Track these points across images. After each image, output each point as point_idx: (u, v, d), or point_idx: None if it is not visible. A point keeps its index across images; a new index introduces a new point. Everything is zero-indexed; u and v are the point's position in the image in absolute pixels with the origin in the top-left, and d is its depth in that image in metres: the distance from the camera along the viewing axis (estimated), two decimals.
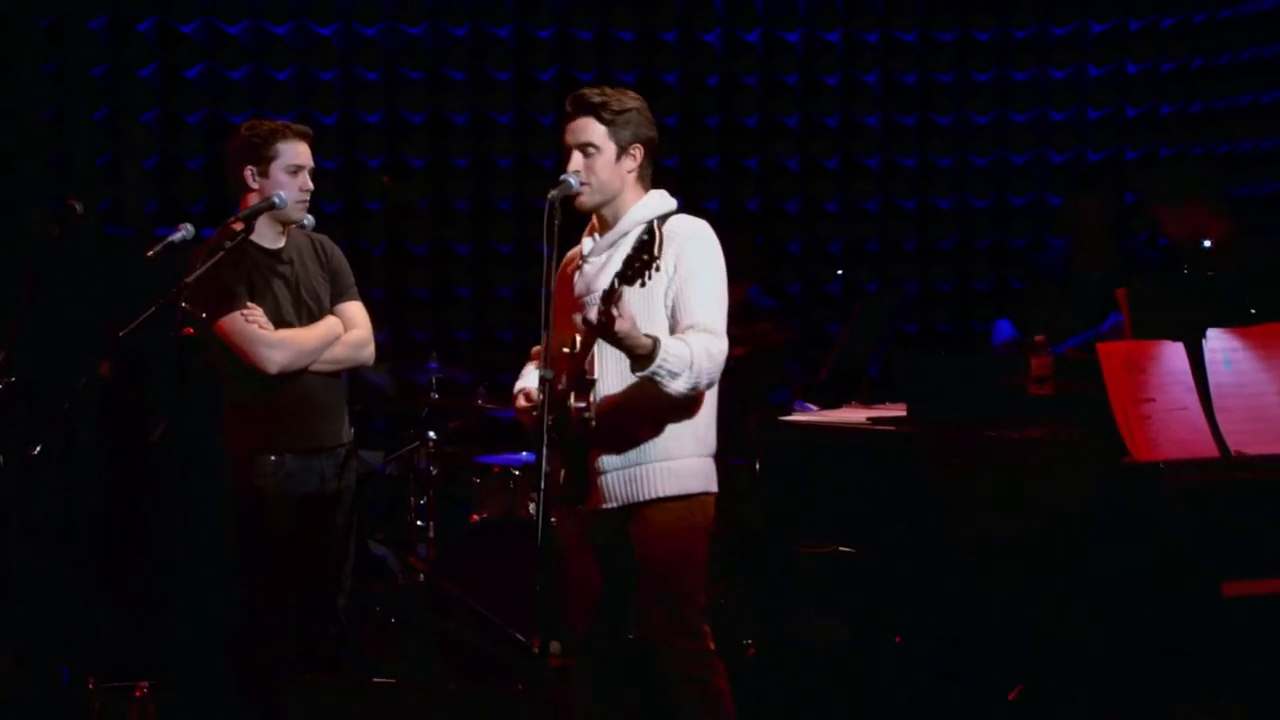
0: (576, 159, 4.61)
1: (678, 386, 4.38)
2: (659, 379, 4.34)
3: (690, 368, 4.37)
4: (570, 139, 4.65)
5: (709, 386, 4.53)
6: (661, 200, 4.73)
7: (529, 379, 4.78)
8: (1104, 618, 4.39)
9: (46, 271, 5.65)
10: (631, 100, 4.68)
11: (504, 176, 8.62)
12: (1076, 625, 4.53)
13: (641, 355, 4.30)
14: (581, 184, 4.58)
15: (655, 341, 4.30)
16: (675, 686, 4.65)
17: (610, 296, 4.17)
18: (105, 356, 5.31)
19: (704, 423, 4.68)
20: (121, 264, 6.66)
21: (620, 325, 4.19)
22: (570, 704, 4.78)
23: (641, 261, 4.15)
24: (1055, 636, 4.73)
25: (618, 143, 4.62)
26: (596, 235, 4.76)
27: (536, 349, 4.93)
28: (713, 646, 4.70)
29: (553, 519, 4.73)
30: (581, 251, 4.79)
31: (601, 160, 4.60)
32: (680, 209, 4.75)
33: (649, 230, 4.17)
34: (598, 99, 4.63)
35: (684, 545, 4.65)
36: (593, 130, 4.61)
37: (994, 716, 5.26)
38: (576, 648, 4.79)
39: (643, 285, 4.20)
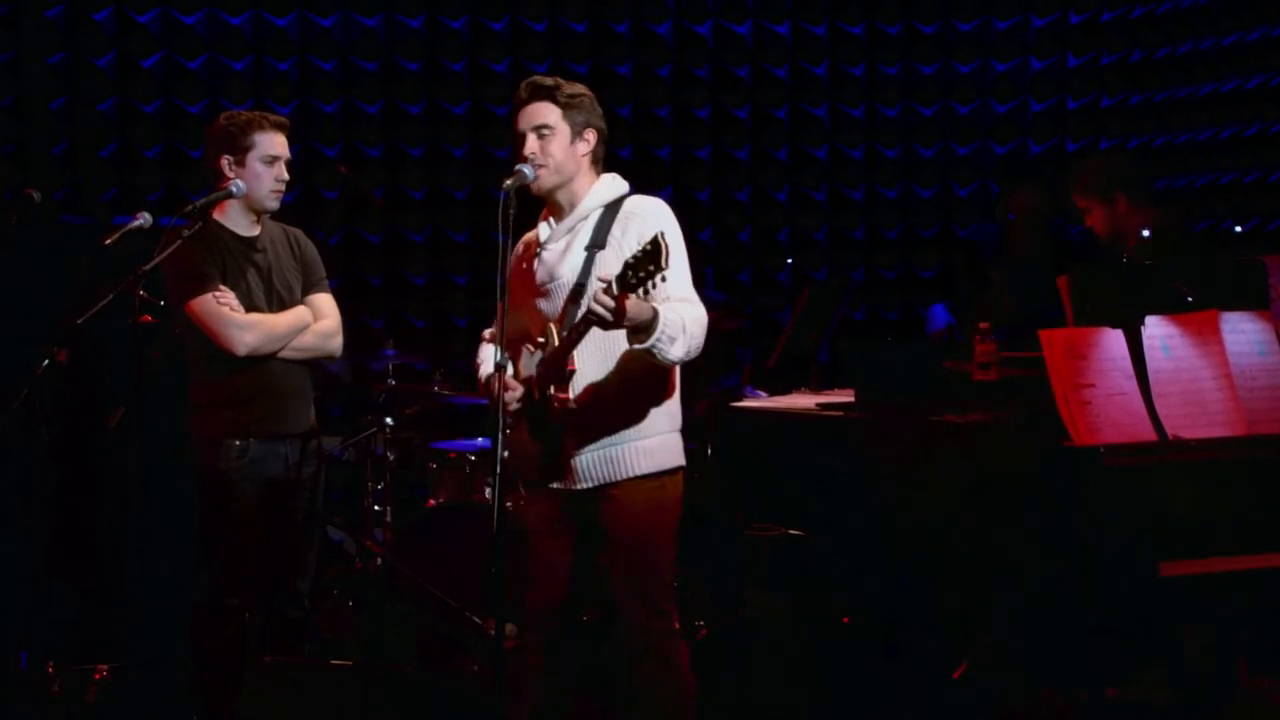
0: (531, 141, 4.61)
1: (675, 352, 4.36)
2: (659, 348, 4.31)
3: (684, 332, 4.35)
4: (524, 123, 4.65)
5: (698, 352, 4.46)
6: (615, 184, 4.74)
7: (490, 364, 4.78)
8: (1045, 597, 4.44)
9: (3, 260, 5.66)
10: (582, 88, 4.72)
11: (458, 166, 8.68)
12: (1018, 605, 4.60)
13: (642, 328, 4.28)
14: (538, 166, 4.59)
15: (655, 311, 4.28)
16: (640, 664, 4.64)
17: (606, 291, 4.16)
18: (63, 343, 5.27)
19: (675, 399, 4.69)
20: (79, 252, 6.67)
21: (625, 307, 4.17)
22: (525, 685, 4.77)
23: (647, 271, 4.07)
24: (997, 616, 4.84)
25: (571, 124, 4.64)
26: (553, 221, 4.75)
27: (488, 331, 5.02)
28: (678, 626, 4.70)
29: (509, 504, 4.79)
30: (539, 238, 4.78)
31: (557, 141, 4.61)
32: (632, 194, 4.75)
33: (654, 242, 4.05)
34: (550, 83, 4.67)
35: (657, 522, 4.67)
36: (548, 112, 4.62)
37: (939, 694, 5.35)
38: (535, 628, 4.78)
39: (645, 294, 4.14)
